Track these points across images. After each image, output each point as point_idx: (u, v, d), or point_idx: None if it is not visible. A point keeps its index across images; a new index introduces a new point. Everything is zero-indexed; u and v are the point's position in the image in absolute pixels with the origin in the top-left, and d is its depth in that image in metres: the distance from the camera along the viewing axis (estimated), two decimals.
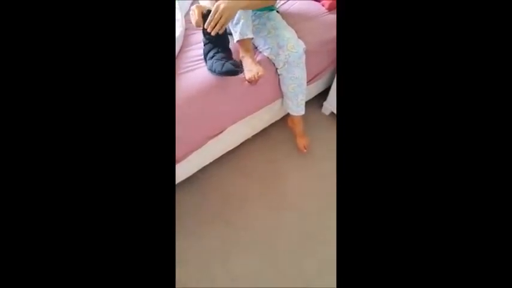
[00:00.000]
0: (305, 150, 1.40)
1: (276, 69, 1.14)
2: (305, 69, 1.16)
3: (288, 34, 1.11)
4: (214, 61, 0.98)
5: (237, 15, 1.00)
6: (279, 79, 1.18)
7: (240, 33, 1.02)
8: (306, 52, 1.15)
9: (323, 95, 1.57)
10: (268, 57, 1.13)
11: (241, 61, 1.05)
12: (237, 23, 1.02)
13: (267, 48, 1.12)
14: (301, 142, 1.39)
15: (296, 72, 1.13)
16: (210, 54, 1.01)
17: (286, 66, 1.11)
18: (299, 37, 1.14)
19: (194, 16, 0.97)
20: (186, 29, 1.14)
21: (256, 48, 1.17)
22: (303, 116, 1.31)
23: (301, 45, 1.12)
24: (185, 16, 1.21)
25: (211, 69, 0.99)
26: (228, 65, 0.96)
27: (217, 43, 1.01)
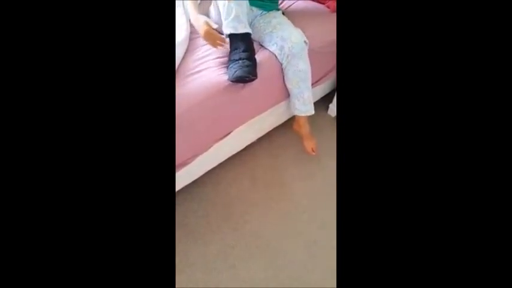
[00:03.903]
0: (314, 153, 1.37)
1: (282, 66, 1.14)
2: (309, 64, 1.15)
3: (292, 28, 1.13)
4: (230, 67, 1.01)
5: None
6: (284, 78, 1.17)
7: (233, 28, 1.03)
8: (312, 53, 1.14)
9: (329, 97, 1.56)
10: (273, 55, 1.13)
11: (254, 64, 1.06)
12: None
13: (273, 44, 1.13)
14: (309, 144, 1.37)
15: (300, 65, 1.13)
16: (231, 59, 1.04)
17: (289, 58, 1.11)
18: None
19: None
20: (191, 33, 1.15)
21: (261, 45, 1.17)
22: (309, 117, 1.29)
23: (303, 37, 1.12)
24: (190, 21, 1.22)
25: (228, 76, 1.02)
26: (238, 72, 0.98)
27: (238, 44, 1.04)
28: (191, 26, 1.17)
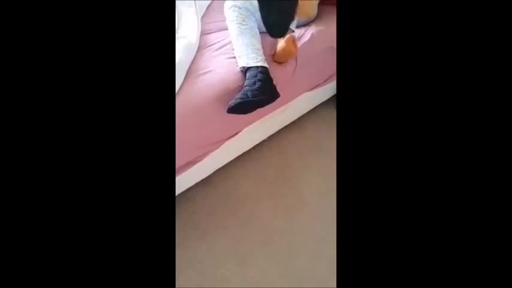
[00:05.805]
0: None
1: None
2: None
3: None
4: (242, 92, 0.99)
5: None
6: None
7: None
8: (322, 51, 1.14)
9: None
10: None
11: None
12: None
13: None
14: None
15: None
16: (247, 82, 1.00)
17: None
18: (315, 36, 1.15)
19: None
20: (201, 31, 1.15)
21: None
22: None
23: None
24: (201, 18, 1.22)
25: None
26: (236, 100, 0.96)
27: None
28: (203, 24, 1.18)
